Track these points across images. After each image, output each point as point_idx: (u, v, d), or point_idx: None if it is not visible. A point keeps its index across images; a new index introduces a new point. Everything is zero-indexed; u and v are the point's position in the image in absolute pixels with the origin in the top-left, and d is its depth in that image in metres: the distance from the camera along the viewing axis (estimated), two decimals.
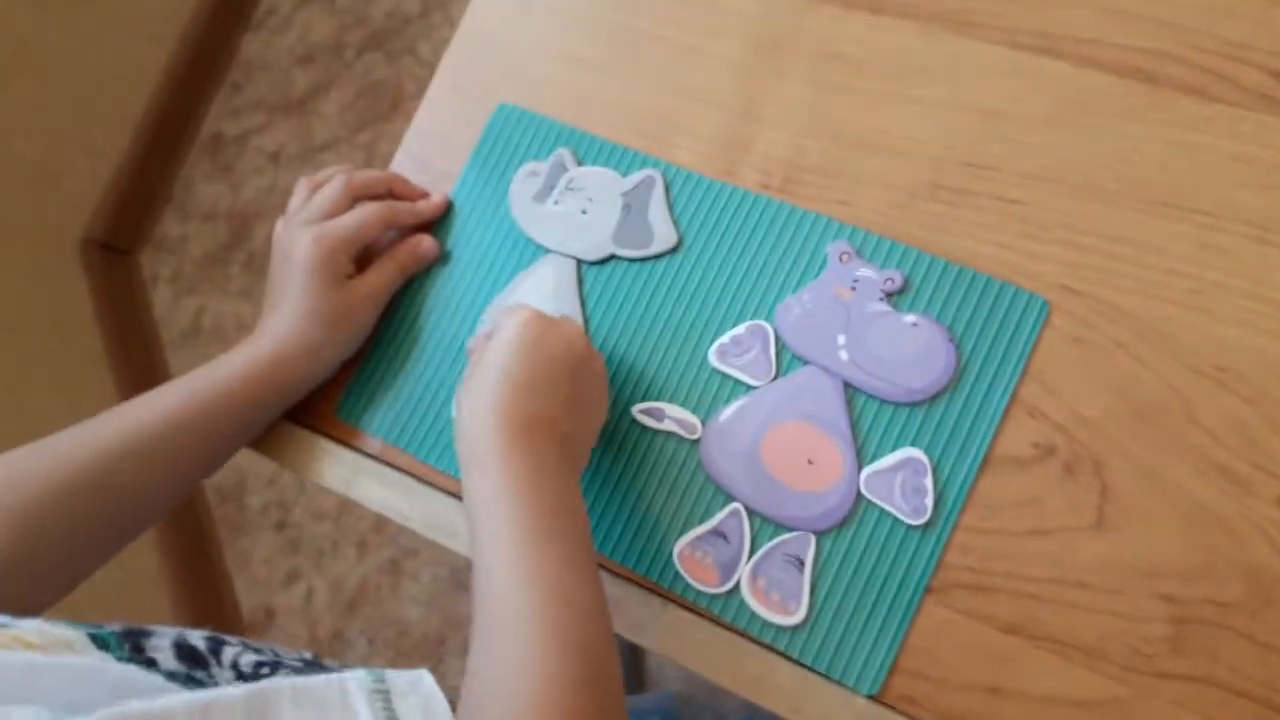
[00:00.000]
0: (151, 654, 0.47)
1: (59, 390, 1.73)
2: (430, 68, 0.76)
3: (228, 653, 0.51)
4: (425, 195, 0.72)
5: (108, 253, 1.96)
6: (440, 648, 1.74)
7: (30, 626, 0.43)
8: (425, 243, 0.70)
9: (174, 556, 1.83)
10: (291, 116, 2.01)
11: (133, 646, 0.46)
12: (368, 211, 0.67)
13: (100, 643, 0.45)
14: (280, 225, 0.68)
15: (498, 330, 0.58)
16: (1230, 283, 0.57)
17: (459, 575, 1.75)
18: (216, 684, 0.48)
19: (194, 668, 0.48)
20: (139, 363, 1.93)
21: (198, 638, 0.50)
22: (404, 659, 1.75)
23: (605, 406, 0.62)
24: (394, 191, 0.71)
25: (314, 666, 0.56)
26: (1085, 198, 0.60)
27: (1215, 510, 0.54)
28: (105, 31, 1.84)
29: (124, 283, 1.98)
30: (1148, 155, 0.60)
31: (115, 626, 0.47)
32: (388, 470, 0.68)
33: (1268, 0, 0.60)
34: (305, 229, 0.66)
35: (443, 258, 0.71)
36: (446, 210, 0.72)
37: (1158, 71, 0.61)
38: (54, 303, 1.81)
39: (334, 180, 0.69)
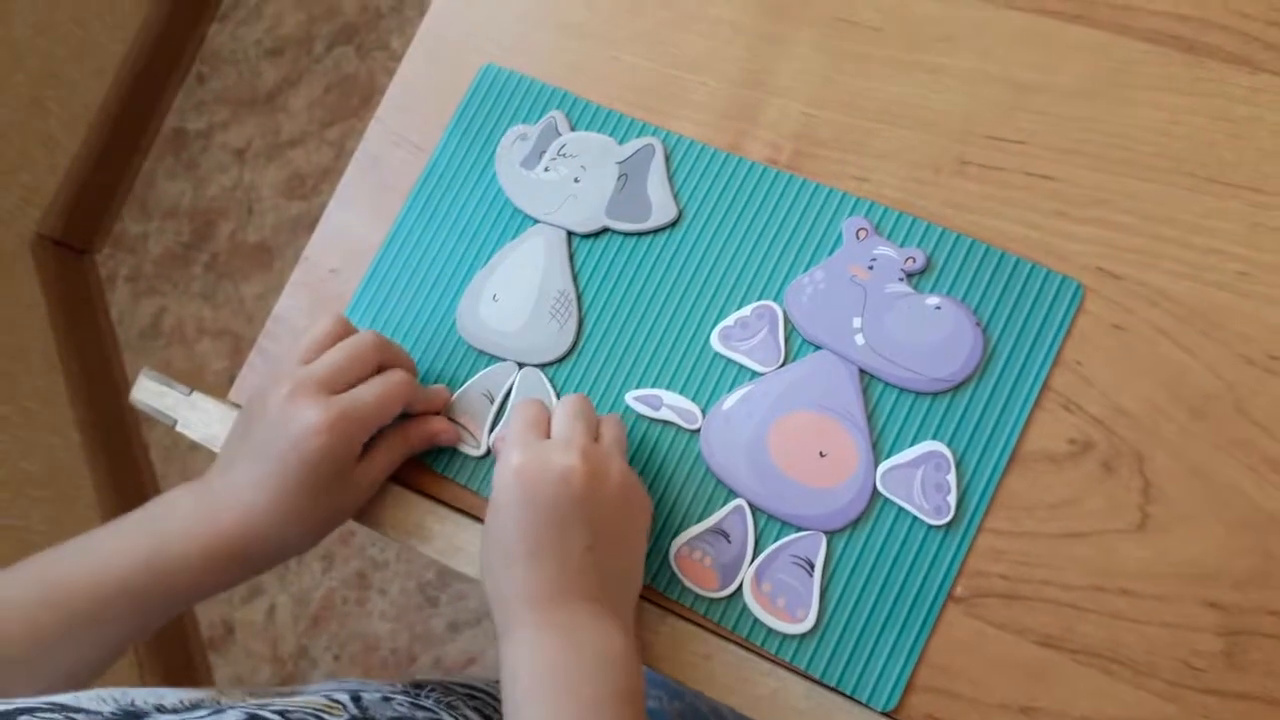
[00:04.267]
0: None
1: (10, 395, 1.66)
2: None
3: None
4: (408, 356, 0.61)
5: (62, 251, 1.88)
6: (410, 665, 1.67)
7: None
8: (444, 427, 0.59)
9: None
10: (258, 111, 1.94)
11: None
12: (392, 386, 0.55)
13: None
14: (270, 378, 0.55)
15: (494, 480, 0.50)
16: None
17: (428, 590, 1.68)
18: None
19: None
20: (94, 366, 1.85)
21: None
22: (371, 676, 1.67)
23: (645, 520, 0.53)
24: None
25: None
26: (1122, 174, 0.56)
27: (1269, 510, 0.50)
28: (62, 18, 1.77)
29: (79, 282, 1.91)
30: (1191, 128, 0.55)
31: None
32: None
33: None
34: (313, 398, 0.53)
35: (421, 227, 0.65)
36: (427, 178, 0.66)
37: (1199, 40, 0.56)
38: (4, 303, 1.73)
39: (362, 335, 0.56)
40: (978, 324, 0.54)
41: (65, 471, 1.70)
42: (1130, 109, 0.56)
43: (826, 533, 0.54)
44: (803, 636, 0.53)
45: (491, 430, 0.60)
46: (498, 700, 0.59)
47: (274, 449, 0.52)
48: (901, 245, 0.57)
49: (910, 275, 0.56)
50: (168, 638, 1.75)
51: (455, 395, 0.61)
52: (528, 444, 0.50)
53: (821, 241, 0.58)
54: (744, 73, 0.63)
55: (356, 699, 0.53)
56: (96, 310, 1.92)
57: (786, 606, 0.53)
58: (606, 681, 0.46)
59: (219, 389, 0.67)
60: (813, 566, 0.54)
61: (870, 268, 0.56)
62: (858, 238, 0.57)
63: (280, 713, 0.46)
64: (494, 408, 0.60)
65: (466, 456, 0.60)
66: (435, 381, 0.62)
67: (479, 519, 0.59)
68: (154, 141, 1.98)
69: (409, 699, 0.57)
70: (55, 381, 1.76)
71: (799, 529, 0.54)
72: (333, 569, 1.73)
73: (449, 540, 0.58)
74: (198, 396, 0.63)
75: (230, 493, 0.53)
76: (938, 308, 0.55)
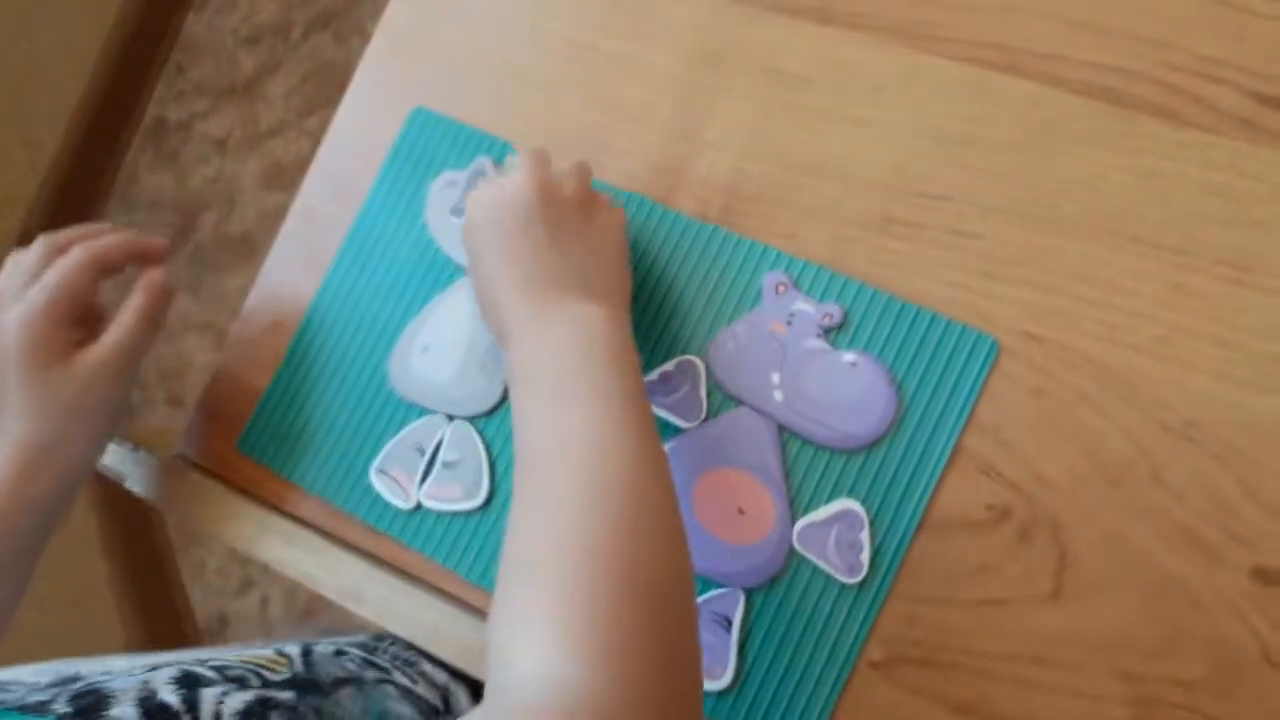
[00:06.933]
0: None
1: None
2: None
3: (207, 700, 0.45)
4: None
5: None
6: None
7: None
8: (157, 276, 0.61)
9: (125, 565, 1.77)
10: (237, 100, 1.93)
11: None
12: (65, 262, 0.58)
13: None
14: None
15: (464, 226, 0.56)
16: (1202, 328, 0.52)
17: None
18: None
19: None
20: None
21: (168, 688, 0.44)
22: None
23: (616, 223, 0.56)
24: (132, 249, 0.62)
25: (306, 688, 0.50)
26: (1049, 232, 0.55)
27: (1181, 580, 0.50)
28: (38, 13, 1.75)
29: None
30: (1117, 185, 0.54)
31: (62, 705, 0.41)
32: (296, 527, 0.62)
33: (1246, 12, 0.55)
34: (9, 310, 0.57)
35: (353, 278, 0.65)
36: (360, 226, 0.66)
37: (1127, 92, 0.55)
38: None
39: (32, 247, 0.60)
40: (892, 381, 0.54)
41: None
42: (1058, 164, 0.56)
43: (745, 589, 0.54)
44: (720, 693, 0.54)
45: (421, 484, 0.60)
46: None
47: (4, 375, 0.57)
48: (821, 300, 0.56)
49: (828, 331, 0.56)
50: (164, 633, 1.78)
51: (386, 448, 0.61)
52: (485, 183, 0.56)
53: (744, 296, 0.58)
54: (676, 123, 0.62)
55: (307, 652, 0.54)
56: None
57: (705, 664, 0.54)
58: (606, 360, 0.50)
59: (204, 384, 0.68)
60: (730, 623, 0.54)
61: (789, 323, 0.56)
62: (777, 293, 0.57)
63: (218, 668, 0.48)
64: (424, 461, 0.60)
65: (398, 510, 0.60)
66: (368, 434, 0.62)
67: (413, 577, 0.59)
68: (134, 134, 1.97)
69: (364, 653, 0.58)
70: None
71: (719, 585, 0.55)
72: None
73: (384, 602, 0.59)
74: (143, 454, 0.64)
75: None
76: (853, 364, 0.55)
